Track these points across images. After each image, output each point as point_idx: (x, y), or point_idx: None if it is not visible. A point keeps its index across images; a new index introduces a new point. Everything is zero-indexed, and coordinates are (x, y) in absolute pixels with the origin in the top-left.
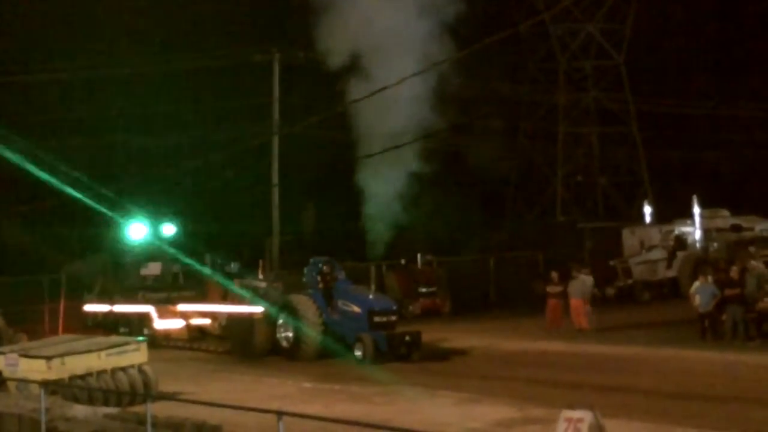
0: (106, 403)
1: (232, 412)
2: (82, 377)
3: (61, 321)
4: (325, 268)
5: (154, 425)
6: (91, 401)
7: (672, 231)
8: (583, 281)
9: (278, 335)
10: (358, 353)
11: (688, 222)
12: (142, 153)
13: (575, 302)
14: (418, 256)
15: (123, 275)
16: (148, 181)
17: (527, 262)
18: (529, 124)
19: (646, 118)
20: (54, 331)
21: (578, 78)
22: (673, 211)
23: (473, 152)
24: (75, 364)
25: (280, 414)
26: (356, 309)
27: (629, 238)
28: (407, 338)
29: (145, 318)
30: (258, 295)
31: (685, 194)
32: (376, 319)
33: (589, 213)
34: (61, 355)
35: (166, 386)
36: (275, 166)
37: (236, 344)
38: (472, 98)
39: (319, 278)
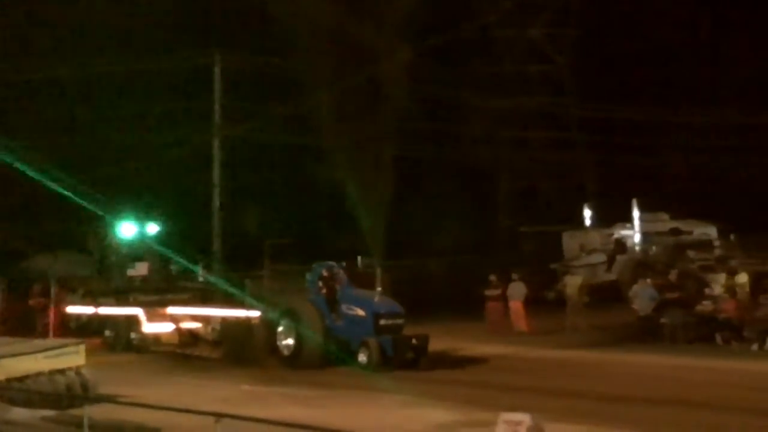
0: (44, 406)
1: (174, 415)
2: (19, 379)
3: None
4: (326, 273)
5: (91, 428)
6: (28, 404)
7: (612, 235)
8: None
9: (279, 343)
10: (362, 359)
11: (628, 226)
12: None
13: (515, 305)
14: (359, 258)
15: (109, 276)
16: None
17: (469, 265)
18: (473, 128)
19: (591, 122)
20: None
21: (522, 82)
22: (617, 215)
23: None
24: (12, 367)
25: (217, 416)
26: (361, 313)
27: (569, 242)
28: (414, 342)
29: (133, 321)
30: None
31: (630, 198)
32: (382, 322)
33: (534, 217)
34: None
35: (109, 389)
36: (216, 167)
37: (231, 350)
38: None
39: (320, 284)
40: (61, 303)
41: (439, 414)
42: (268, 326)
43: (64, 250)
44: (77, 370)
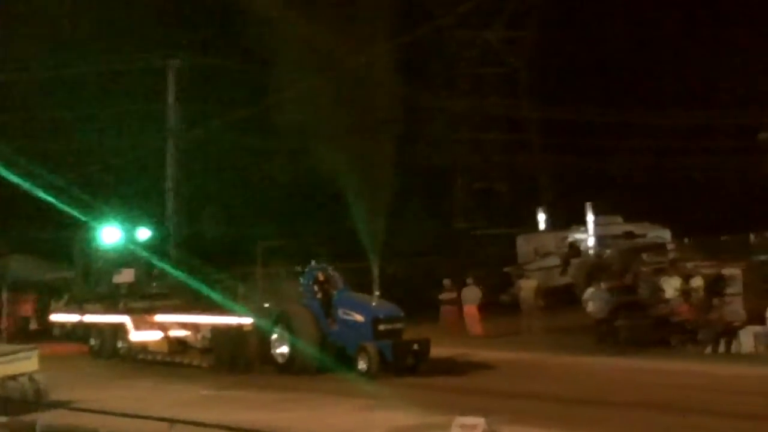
0: None
1: (129, 420)
2: None
3: None
4: (321, 276)
5: None
6: None
7: (566, 238)
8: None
9: (273, 350)
10: (362, 365)
11: (582, 229)
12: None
13: (469, 309)
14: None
15: (94, 282)
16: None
17: (425, 268)
18: (429, 129)
19: (547, 124)
20: None
21: (479, 84)
22: (571, 218)
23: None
24: None
25: (171, 422)
26: (359, 317)
27: (524, 245)
28: (415, 347)
29: (119, 329)
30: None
31: (584, 201)
32: (381, 327)
33: (490, 220)
34: None
35: (66, 394)
36: (170, 170)
37: (223, 358)
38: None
39: (316, 288)
40: (14, 307)
41: (395, 417)
42: (261, 333)
43: (19, 254)
44: (30, 376)
